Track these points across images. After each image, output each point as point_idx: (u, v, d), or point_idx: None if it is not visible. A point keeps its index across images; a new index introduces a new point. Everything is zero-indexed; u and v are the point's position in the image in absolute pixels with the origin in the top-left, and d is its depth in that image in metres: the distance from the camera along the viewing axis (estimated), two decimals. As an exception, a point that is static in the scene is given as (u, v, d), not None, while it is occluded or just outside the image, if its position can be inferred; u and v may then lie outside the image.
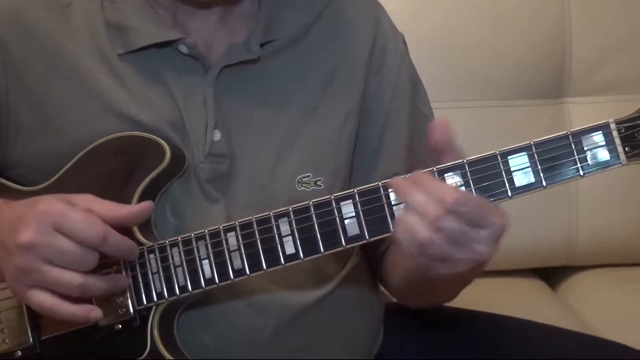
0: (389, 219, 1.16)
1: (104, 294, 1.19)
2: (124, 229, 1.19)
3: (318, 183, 1.32)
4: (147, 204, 1.20)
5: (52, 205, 1.14)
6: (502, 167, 1.13)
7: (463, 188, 1.14)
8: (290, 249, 1.19)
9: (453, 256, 1.10)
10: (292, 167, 1.32)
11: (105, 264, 1.19)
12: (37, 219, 1.13)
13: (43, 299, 1.16)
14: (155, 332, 1.22)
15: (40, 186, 1.30)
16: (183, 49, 1.30)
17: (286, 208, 1.19)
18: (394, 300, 1.53)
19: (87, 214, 1.14)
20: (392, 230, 1.17)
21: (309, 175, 1.32)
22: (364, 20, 1.41)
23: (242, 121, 1.32)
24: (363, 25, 1.41)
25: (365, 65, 1.39)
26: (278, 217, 1.19)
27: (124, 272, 1.21)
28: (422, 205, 1.09)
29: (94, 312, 1.18)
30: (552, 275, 2.20)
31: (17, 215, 1.16)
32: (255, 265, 1.20)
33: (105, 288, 1.18)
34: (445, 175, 1.14)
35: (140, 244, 1.22)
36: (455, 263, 1.11)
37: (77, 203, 1.16)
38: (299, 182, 1.32)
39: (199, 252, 1.21)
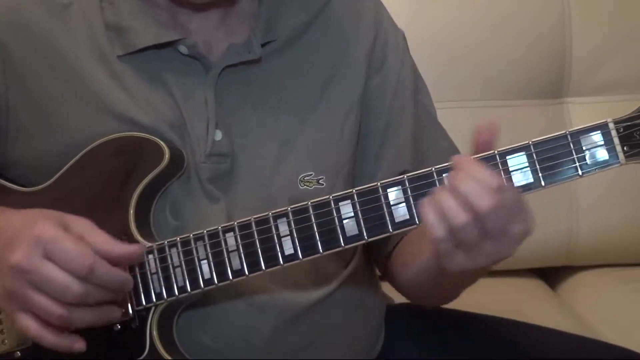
0: (388, 219, 1.16)
1: (89, 325, 1.17)
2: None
3: (320, 182, 1.32)
4: (139, 249, 1.18)
5: (46, 229, 1.12)
6: (500, 166, 1.13)
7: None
8: (289, 250, 1.19)
9: (480, 247, 1.09)
10: (293, 166, 1.32)
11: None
12: (30, 243, 1.12)
13: (28, 324, 1.15)
14: (154, 333, 1.22)
15: (39, 187, 1.30)
16: (183, 49, 1.30)
17: (285, 208, 1.19)
18: (396, 301, 1.54)
19: (78, 243, 1.12)
20: (391, 230, 1.17)
21: (311, 174, 1.32)
22: (364, 18, 1.41)
23: (243, 121, 1.32)
24: (363, 23, 1.41)
25: (366, 63, 1.39)
26: (277, 217, 1.19)
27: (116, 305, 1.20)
28: (469, 192, 1.07)
29: (78, 344, 1.17)
30: (552, 275, 2.20)
31: (13, 231, 1.15)
32: (254, 266, 1.19)
33: (91, 321, 1.16)
34: (444, 175, 1.14)
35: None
36: (479, 255, 1.10)
37: (72, 227, 1.14)
38: (301, 181, 1.32)
39: (197, 253, 1.21)
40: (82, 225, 1.15)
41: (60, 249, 1.11)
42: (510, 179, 1.13)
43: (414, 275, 1.35)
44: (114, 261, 1.15)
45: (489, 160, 1.13)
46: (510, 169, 1.13)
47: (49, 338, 1.15)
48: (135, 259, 1.18)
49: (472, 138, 1.14)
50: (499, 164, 1.14)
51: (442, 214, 1.08)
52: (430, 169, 1.15)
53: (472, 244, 1.09)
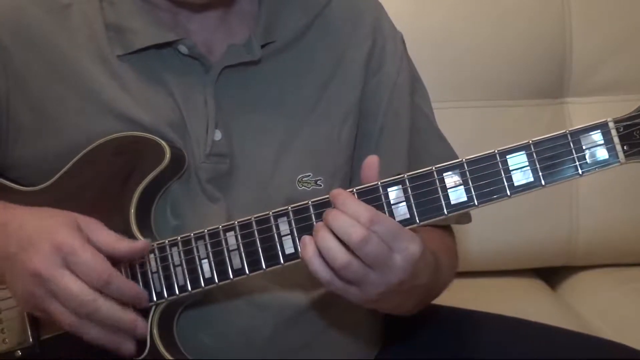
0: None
1: (95, 341, 1.18)
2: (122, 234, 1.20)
3: (318, 183, 1.33)
4: (144, 244, 1.20)
5: (67, 239, 1.15)
6: (500, 166, 1.13)
7: (462, 187, 1.14)
8: (289, 249, 1.18)
9: (368, 280, 1.11)
10: (292, 166, 1.32)
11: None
12: (50, 251, 1.14)
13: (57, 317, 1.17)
14: (155, 332, 1.22)
15: (40, 187, 1.30)
16: (183, 49, 1.31)
17: (285, 208, 1.19)
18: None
19: (96, 255, 1.15)
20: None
21: (309, 175, 1.32)
22: (363, 21, 1.41)
23: (242, 121, 1.32)
24: (362, 26, 1.41)
25: (364, 66, 1.39)
26: (277, 216, 1.19)
27: (122, 272, 1.21)
28: (346, 228, 1.09)
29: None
30: (552, 275, 2.20)
31: (28, 237, 1.16)
32: (254, 265, 1.19)
33: (98, 338, 1.18)
34: (444, 174, 1.14)
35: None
36: (372, 287, 1.12)
37: (84, 229, 1.17)
38: (299, 182, 1.32)
39: (198, 252, 1.21)
40: (91, 224, 1.18)
41: (79, 261, 1.14)
42: (391, 212, 1.15)
43: None
44: (121, 259, 1.18)
45: (489, 160, 1.13)
46: (511, 169, 1.13)
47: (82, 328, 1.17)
48: (141, 254, 1.20)
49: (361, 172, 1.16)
50: (382, 196, 1.15)
51: (327, 255, 1.10)
52: (430, 168, 1.15)
53: (359, 279, 1.11)
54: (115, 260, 1.17)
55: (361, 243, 1.09)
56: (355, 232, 1.09)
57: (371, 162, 1.16)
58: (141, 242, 1.20)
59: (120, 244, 1.18)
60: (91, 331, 1.17)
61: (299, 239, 1.18)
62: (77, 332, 1.17)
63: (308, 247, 1.12)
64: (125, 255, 1.18)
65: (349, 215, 1.10)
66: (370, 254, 1.09)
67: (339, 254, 1.10)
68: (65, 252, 1.14)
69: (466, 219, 1.43)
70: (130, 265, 1.22)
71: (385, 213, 1.16)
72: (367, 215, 1.10)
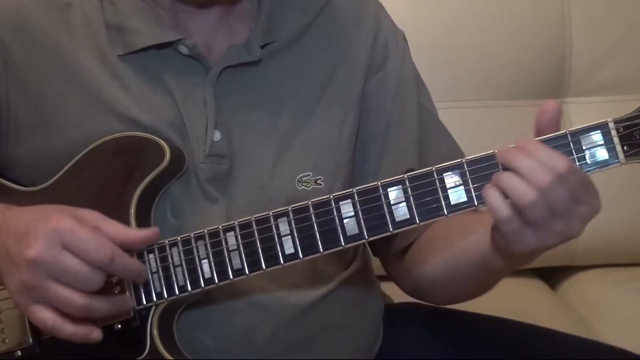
0: (388, 219, 1.16)
1: (106, 316, 1.19)
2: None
3: (318, 182, 1.33)
4: (154, 230, 1.20)
5: (62, 221, 1.14)
6: (501, 166, 1.13)
7: (462, 187, 1.14)
8: (289, 249, 1.19)
9: (549, 226, 1.09)
10: (291, 166, 1.32)
11: (110, 283, 1.19)
12: (47, 235, 1.13)
13: (45, 316, 1.15)
14: (155, 332, 1.22)
15: (40, 186, 1.30)
16: (183, 49, 1.31)
17: (285, 208, 1.19)
18: (395, 300, 1.54)
19: (96, 234, 1.14)
20: (391, 229, 1.17)
21: (309, 175, 1.32)
22: (364, 20, 1.41)
23: (242, 121, 1.32)
24: (363, 25, 1.41)
25: (365, 65, 1.39)
26: (277, 216, 1.19)
27: (127, 293, 1.21)
28: (533, 171, 1.08)
29: (95, 333, 1.18)
30: (552, 275, 2.20)
31: (25, 227, 1.15)
32: (254, 265, 1.19)
33: (108, 310, 1.18)
34: (444, 174, 1.14)
35: None
36: (548, 234, 1.10)
37: (86, 219, 1.16)
38: (299, 182, 1.32)
39: (198, 252, 1.21)
40: (94, 215, 1.17)
41: (78, 239, 1.13)
42: (390, 212, 1.14)
43: (444, 271, 1.34)
44: (133, 247, 1.18)
45: (489, 161, 1.13)
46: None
47: (67, 328, 1.16)
48: (153, 240, 1.20)
49: (536, 119, 1.13)
50: (382, 196, 1.15)
51: (507, 194, 1.08)
52: (430, 168, 1.15)
53: (542, 222, 1.09)
54: (126, 250, 1.17)
55: (550, 185, 1.07)
56: (544, 174, 1.07)
57: (549, 107, 1.13)
58: (152, 229, 1.20)
59: (132, 232, 1.18)
60: (101, 306, 1.16)
61: (299, 240, 1.18)
62: (88, 312, 1.15)
63: (489, 187, 1.10)
64: (137, 244, 1.18)
65: (537, 157, 1.08)
66: (557, 200, 1.07)
67: (528, 191, 1.07)
68: (62, 232, 1.13)
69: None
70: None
71: (385, 213, 1.16)
72: (557, 161, 1.08)
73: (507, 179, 1.09)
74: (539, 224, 1.09)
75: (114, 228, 1.17)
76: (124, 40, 1.31)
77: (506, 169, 1.10)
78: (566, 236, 1.11)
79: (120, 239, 1.16)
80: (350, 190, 1.17)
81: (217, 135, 1.30)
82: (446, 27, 2.06)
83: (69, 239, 1.13)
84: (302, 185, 1.32)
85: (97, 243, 1.13)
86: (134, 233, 1.18)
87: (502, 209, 1.09)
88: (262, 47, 1.33)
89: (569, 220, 1.09)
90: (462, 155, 1.16)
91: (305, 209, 1.18)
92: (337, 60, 1.38)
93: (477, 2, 2.08)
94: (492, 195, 1.10)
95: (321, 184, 1.32)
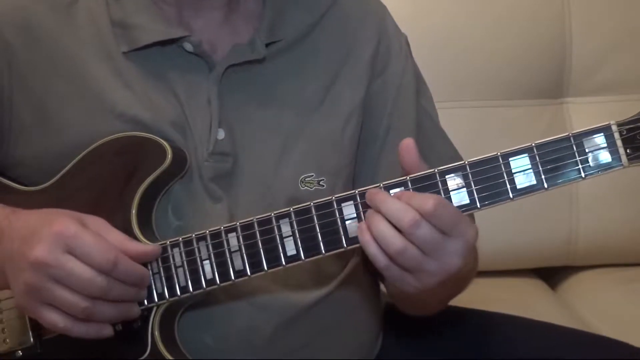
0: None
1: (110, 320, 1.19)
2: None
3: (321, 183, 1.33)
4: (154, 248, 1.20)
5: (67, 226, 1.14)
6: (503, 168, 1.13)
7: (465, 189, 1.14)
8: (291, 250, 1.18)
9: (425, 267, 1.10)
10: (295, 166, 1.32)
11: None
12: (51, 239, 1.13)
13: (55, 318, 1.16)
14: (156, 333, 1.22)
15: (41, 186, 1.30)
16: (188, 46, 1.30)
17: (287, 209, 1.19)
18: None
19: (100, 239, 1.15)
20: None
21: (312, 175, 1.32)
22: (368, 22, 1.41)
23: (246, 120, 1.32)
24: (367, 27, 1.41)
25: (368, 67, 1.39)
26: (279, 217, 1.19)
27: None
28: (398, 213, 1.09)
29: (106, 330, 1.19)
30: (552, 275, 2.20)
31: (30, 230, 1.16)
32: (256, 266, 1.19)
33: (113, 315, 1.18)
34: (446, 176, 1.14)
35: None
36: (427, 276, 1.11)
37: (89, 225, 1.16)
38: (302, 182, 1.32)
39: (200, 253, 1.21)
40: (97, 221, 1.18)
41: (82, 244, 1.13)
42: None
43: (391, 294, 1.36)
44: (131, 258, 1.18)
45: (492, 163, 1.13)
46: (513, 171, 1.13)
47: (78, 328, 1.17)
48: (150, 258, 1.20)
49: (400, 161, 1.15)
50: (502, 165, 1.13)
51: (380, 239, 1.09)
52: (432, 170, 1.15)
53: (416, 266, 1.10)
54: None
55: (413, 227, 1.08)
56: (406, 217, 1.08)
57: (407, 145, 1.15)
58: (152, 246, 1.20)
59: (131, 245, 1.18)
60: (106, 310, 1.17)
61: (301, 241, 1.18)
62: (91, 315, 1.16)
63: (365, 232, 1.11)
64: (136, 256, 1.18)
65: (404, 201, 1.09)
66: (424, 242, 1.08)
67: (394, 239, 1.09)
68: (67, 236, 1.13)
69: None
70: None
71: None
72: (426, 201, 1.08)
73: (376, 225, 1.10)
74: (413, 268, 1.10)
75: (114, 237, 1.17)
76: (128, 36, 1.31)
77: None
78: (447, 273, 1.11)
79: (121, 249, 1.16)
80: (353, 191, 1.17)
81: (221, 134, 1.30)
82: (446, 27, 2.06)
83: (73, 243, 1.13)
84: (305, 186, 1.32)
85: (101, 247, 1.14)
86: (132, 246, 1.18)
87: (380, 258, 1.11)
88: (266, 45, 1.33)
89: (442, 257, 1.10)
90: (460, 160, 1.16)
91: (307, 210, 1.18)
92: (342, 60, 1.38)
93: (477, 2, 2.09)
94: (371, 245, 1.11)
95: (323, 185, 1.33)
